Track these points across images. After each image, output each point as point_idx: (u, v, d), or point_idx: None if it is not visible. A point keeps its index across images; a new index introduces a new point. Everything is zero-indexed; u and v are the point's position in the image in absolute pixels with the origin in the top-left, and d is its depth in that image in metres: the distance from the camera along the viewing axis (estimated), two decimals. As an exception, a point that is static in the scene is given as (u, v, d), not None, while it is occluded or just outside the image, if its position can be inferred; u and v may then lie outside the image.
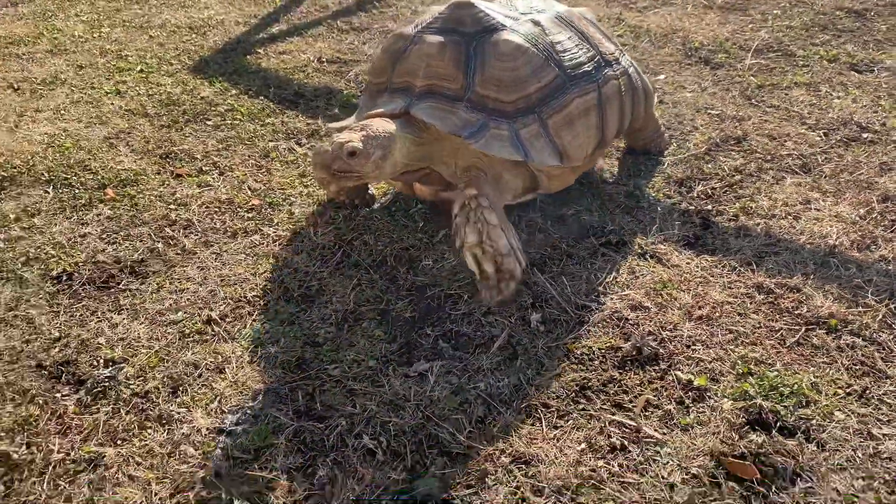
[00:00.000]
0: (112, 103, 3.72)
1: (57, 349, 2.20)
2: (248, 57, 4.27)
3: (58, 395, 2.05)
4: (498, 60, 2.42)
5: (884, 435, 1.80)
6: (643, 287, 2.32)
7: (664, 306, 2.24)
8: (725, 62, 3.88)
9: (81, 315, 2.34)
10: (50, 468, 1.83)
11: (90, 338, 2.24)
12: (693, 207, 2.72)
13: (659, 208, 2.72)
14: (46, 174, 3.08)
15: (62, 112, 3.63)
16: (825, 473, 1.72)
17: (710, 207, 2.71)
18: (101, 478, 1.81)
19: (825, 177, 2.84)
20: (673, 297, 2.27)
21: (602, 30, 2.81)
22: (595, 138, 2.59)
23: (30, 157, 3.19)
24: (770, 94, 3.52)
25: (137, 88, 3.89)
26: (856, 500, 1.65)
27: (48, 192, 2.98)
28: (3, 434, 1.91)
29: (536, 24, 2.59)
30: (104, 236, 2.72)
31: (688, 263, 2.43)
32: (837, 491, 1.67)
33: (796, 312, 2.19)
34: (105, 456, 1.85)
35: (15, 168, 3.12)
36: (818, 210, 2.64)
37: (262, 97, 3.75)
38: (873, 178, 2.80)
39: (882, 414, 1.86)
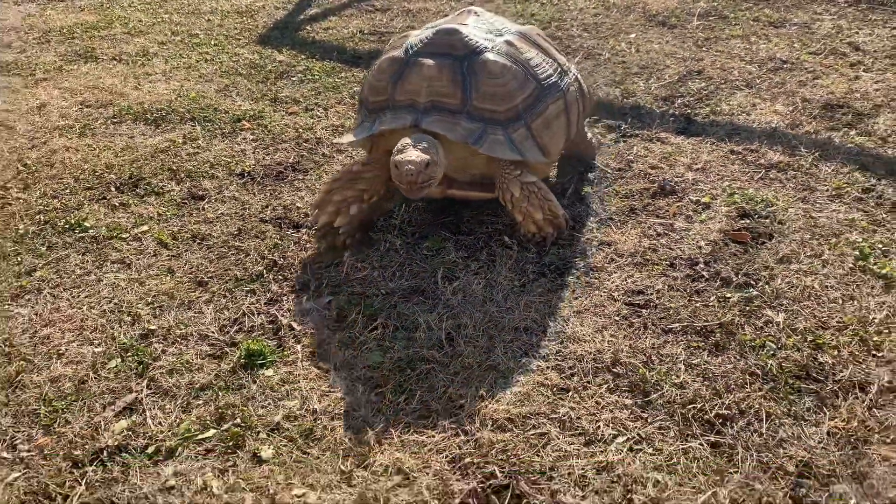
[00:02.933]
0: (207, 68, 4.64)
1: (269, 211, 3.16)
2: (299, 32, 5.24)
3: (287, 233, 3.02)
4: (490, 78, 2.85)
5: (819, 214, 2.98)
6: (656, 156, 3.46)
7: (672, 165, 3.38)
8: (678, 24, 5.09)
9: (272, 193, 3.31)
10: (308, 265, 2.81)
11: (289, 204, 3.21)
12: (678, 112, 3.89)
13: (654, 113, 3.88)
14: (188, 114, 4.01)
15: (170, 74, 4.54)
16: (786, 233, 2.88)
17: (689, 111, 3.89)
18: (345, 271, 2.80)
19: (763, 91, 4.05)
20: (677, 160, 3.42)
21: (552, 44, 3.30)
22: (564, 136, 3.11)
23: (167, 104, 4.10)
24: (715, 44, 4.74)
25: (220, 57, 4.81)
26: (805, 246, 2.81)
27: (196, 126, 3.90)
28: (266, 252, 2.88)
29: (510, 44, 2.99)
30: (258, 150, 3.67)
31: (682, 142, 3.58)
32: (793, 241, 2.83)
33: (758, 162, 3.37)
34: (344, 258, 2.85)
35: (161, 110, 4.03)
36: (762, 109, 3.85)
37: (327, 60, 4.73)
38: (796, 89, 4.03)
39: (816, 206, 3.04)
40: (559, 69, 3.12)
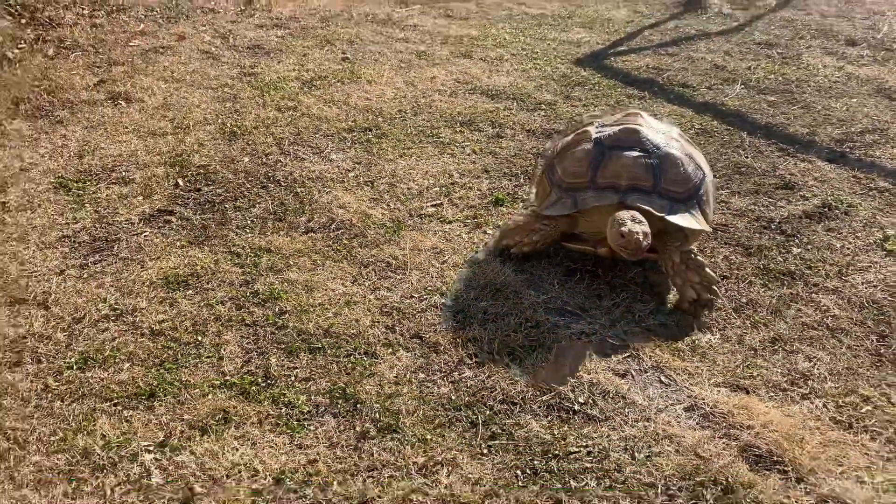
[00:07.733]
0: (534, 73, 7.04)
1: (534, 149, 5.40)
2: (604, 61, 7.43)
3: (538, 160, 5.24)
4: (672, 167, 3.63)
5: (879, 215, 4.40)
6: (798, 169, 5.04)
7: (805, 176, 4.95)
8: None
9: (540, 142, 5.53)
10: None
11: (547, 147, 5.42)
12: (838, 150, 5.35)
13: (819, 146, 5.39)
14: (511, 95, 6.41)
15: (510, 73, 7.00)
16: (847, 220, 4.37)
17: (847, 151, 5.32)
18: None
19: (790, 94, 5.32)
20: (810, 174, 4.96)
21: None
22: (713, 207, 3.90)
23: (503, 89, 6.54)
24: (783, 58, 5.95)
25: (545, 68, 7.19)
26: (850, 226, 4.28)
27: (513, 102, 6.28)
28: (524, 165, 5.13)
29: (678, 140, 3.80)
30: (543, 121, 5.91)
31: (823, 166, 5.07)
32: (845, 224, 4.32)
33: (867, 185, 4.79)
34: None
35: (497, 91, 6.49)
36: (784, 113, 5.17)
37: (612, 79, 6.86)
38: (812, 99, 5.25)
39: (883, 212, 4.44)
40: (704, 159, 3.96)
